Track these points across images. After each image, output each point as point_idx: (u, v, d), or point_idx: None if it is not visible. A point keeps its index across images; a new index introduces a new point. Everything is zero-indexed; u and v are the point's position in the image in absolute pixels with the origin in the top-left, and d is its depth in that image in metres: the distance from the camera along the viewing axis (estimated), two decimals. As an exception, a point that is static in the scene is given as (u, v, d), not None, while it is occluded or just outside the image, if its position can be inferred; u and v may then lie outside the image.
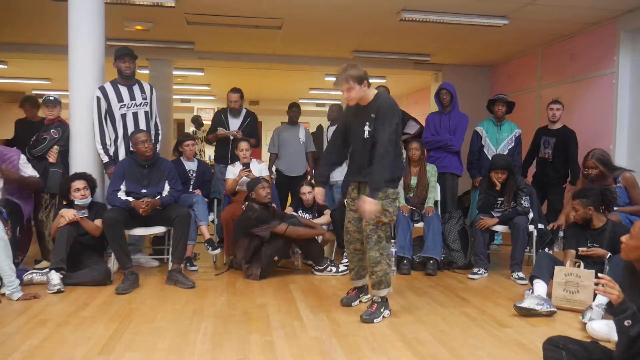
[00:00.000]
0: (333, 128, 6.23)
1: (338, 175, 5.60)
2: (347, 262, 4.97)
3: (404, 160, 5.19)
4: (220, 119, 5.72)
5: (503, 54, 8.06)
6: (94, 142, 4.64)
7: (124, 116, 4.67)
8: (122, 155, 4.68)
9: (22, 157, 4.47)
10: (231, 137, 5.59)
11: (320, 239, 5.00)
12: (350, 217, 3.71)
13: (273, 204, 5.06)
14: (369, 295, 3.89)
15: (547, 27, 6.42)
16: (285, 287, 4.28)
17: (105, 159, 4.64)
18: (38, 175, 4.54)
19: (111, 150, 4.67)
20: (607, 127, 5.95)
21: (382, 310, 3.52)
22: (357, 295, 3.86)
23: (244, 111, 5.77)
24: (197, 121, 11.07)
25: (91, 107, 4.61)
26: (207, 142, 5.43)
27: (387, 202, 3.49)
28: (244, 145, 5.26)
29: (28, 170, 4.47)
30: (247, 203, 4.66)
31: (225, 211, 4.99)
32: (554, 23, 6.25)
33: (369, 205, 3.30)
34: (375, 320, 3.45)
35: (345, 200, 3.82)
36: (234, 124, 5.67)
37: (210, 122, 6.27)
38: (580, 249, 3.91)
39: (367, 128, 3.51)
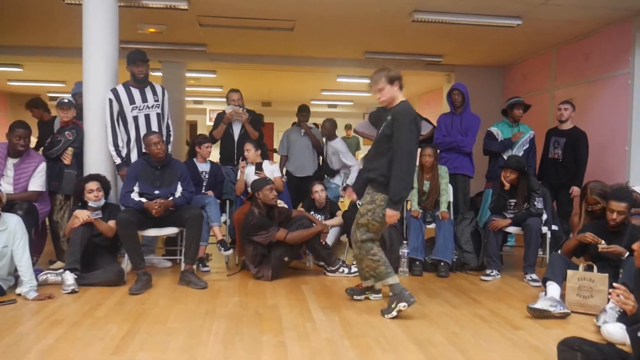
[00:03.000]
0: (332, 143, 6.19)
1: (338, 180, 5.74)
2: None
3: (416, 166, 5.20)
4: (223, 118, 5.74)
5: (516, 54, 8.01)
6: (107, 144, 4.69)
7: (135, 118, 4.71)
8: (134, 157, 4.72)
9: (43, 165, 4.46)
10: (241, 113, 5.59)
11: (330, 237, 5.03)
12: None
13: (284, 205, 5.07)
14: (379, 295, 3.97)
15: (561, 27, 6.37)
16: (297, 288, 4.29)
17: (118, 161, 4.68)
18: (41, 190, 4.46)
19: (123, 152, 4.71)
20: (622, 128, 5.88)
21: (393, 305, 3.58)
22: (363, 291, 3.94)
23: (244, 110, 5.79)
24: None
25: (105, 109, 4.65)
26: (212, 141, 5.47)
27: (372, 207, 3.61)
28: (248, 145, 5.32)
29: (37, 180, 4.40)
30: (250, 207, 4.66)
31: (237, 212, 5.01)
32: (568, 23, 6.19)
33: (389, 216, 3.55)
34: (386, 316, 3.55)
35: (357, 202, 3.87)
36: (237, 122, 5.70)
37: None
38: (600, 245, 3.83)
39: (382, 128, 3.63)
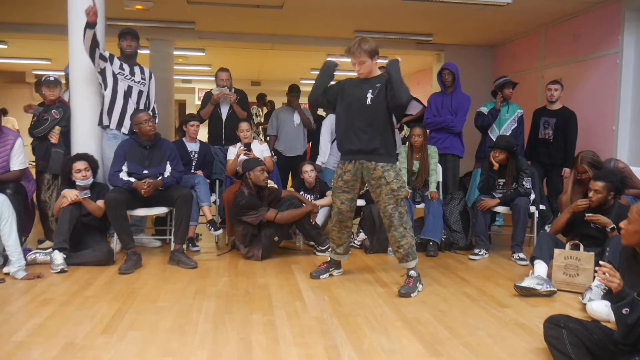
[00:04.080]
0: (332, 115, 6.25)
1: (333, 161, 5.62)
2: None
3: (406, 146, 5.20)
4: (210, 98, 5.70)
5: (506, 33, 7.98)
6: (95, 123, 4.67)
7: (117, 82, 4.68)
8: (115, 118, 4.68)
9: (19, 141, 4.38)
10: (229, 94, 5.56)
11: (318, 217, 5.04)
12: (344, 199, 3.81)
13: (274, 185, 5.06)
14: (341, 270, 4.08)
15: (550, 6, 6.35)
16: (287, 268, 4.31)
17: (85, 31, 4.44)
18: (24, 167, 4.39)
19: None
20: (610, 108, 5.91)
21: (417, 285, 3.68)
22: (327, 269, 4.02)
23: (232, 90, 5.76)
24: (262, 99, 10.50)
25: (91, 87, 4.64)
26: (200, 121, 5.44)
27: (399, 179, 3.64)
28: (244, 126, 5.28)
29: (17, 158, 4.33)
30: (239, 187, 4.65)
31: (226, 192, 5.00)
32: (558, 2, 6.17)
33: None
34: (412, 294, 3.58)
35: (335, 183, 3.86)
36: (225, 102, 5.66)
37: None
38: (587, 214, 3.89)
39: (369, 95, 3.62)
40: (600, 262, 2.37)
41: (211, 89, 5.72)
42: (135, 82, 4.76)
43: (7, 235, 3.77)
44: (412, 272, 3.71)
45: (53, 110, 4.74)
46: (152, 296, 3.49)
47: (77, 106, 4.68)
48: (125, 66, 4.73)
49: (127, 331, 2.88)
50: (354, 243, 5.08)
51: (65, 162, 4.40)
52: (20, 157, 4.37)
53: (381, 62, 3.93)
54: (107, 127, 4.68)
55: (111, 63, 4.65)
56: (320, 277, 3.98)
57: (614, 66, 5.88)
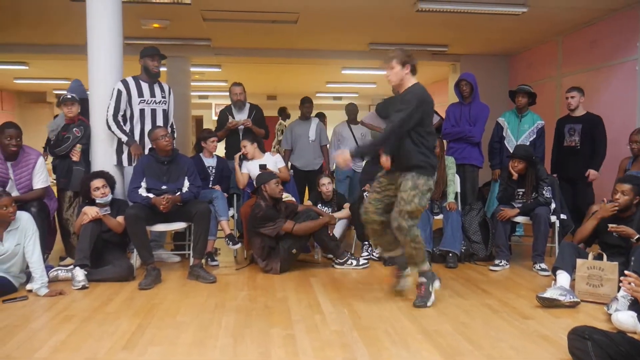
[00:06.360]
0: (355, 127, 6.48)
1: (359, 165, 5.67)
2: (367, 255, 4.98)
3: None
4: (226, 116, 5.74)
5: (522, 42, 7.95)
6: (113, 140, 4.72)
7: (142, 111, 4.71)
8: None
9: (41, 160, 4.43)
10: (242, 127, 5.61)
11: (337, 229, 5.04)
12: (372, 198, 3.74)
13: (292, 198, 5.07)
14: (409, 269, 3.84)
15: (567, 14, 6.32)
16: (305, 281, 4.29)
17: (124, 138, 4.61)
18: (47, 185, 4.45)
19: (126, 127, 4.67)
20: (630, 115, 5.84)
21: (430, 289, 3.62)
22: (401, 276, 3.85)
23: (247, 105, 5.79)
24: (284, 112, 10.70)
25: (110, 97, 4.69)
26: (218, 139, 5.49)
27: (416, 193, 3.51)
28: (243, 142, 5.32)
29: (39, 176, 4.37)
30: (256, 200, 4.66)
31: (244, 206, 5.02)
32: (574, 10, 6.14)
33: (340, 157, 3.51)
34: (428, 304, 3.55)
35: (369, 185, 3.86)
36: (241, 118, 5.70)
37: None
38: (610, 225, 3.83)
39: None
40: (626, 272, 2.33)
41: (226, 105, 5.76)
42: (156, 103, 4.79)
43: (30, 252, 3.83)
44: (420, 279, 3.66)
45: (74, 129, 4.81)
46: (172, 311, 3.50)
47: (97, 124, 4.74)
48: (145, 86, 4.75)
49: (148, 346, 2.88)
50: (373, 255, 5.06)
51: (83, 182, 4.44)
52: (43, 176, 4.42)
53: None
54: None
55: (127, 91, 4.65)
56: (405, 288, 3.84)
57: (633, 73, 5.81)
